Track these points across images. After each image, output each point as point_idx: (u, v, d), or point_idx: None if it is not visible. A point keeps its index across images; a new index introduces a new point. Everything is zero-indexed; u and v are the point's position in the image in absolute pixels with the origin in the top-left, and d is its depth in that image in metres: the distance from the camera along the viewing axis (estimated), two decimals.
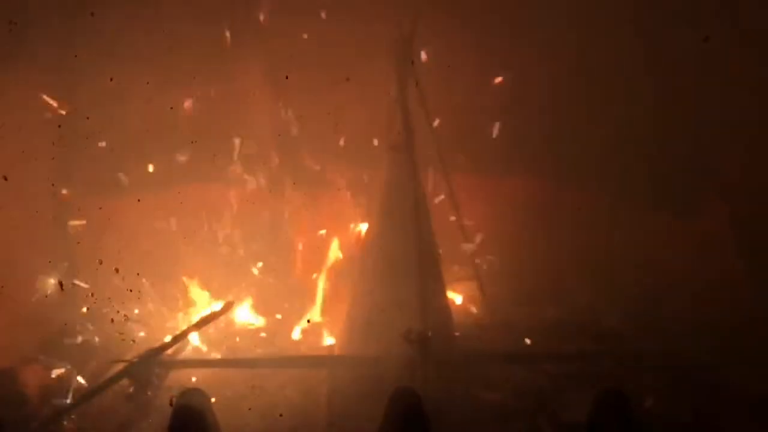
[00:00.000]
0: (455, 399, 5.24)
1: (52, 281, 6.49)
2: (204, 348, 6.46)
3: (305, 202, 7.54)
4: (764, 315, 6.03)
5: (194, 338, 6.38)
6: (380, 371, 5.21)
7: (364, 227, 6.71)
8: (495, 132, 7.14)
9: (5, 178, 5.23)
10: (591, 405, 4.11)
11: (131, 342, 6.27)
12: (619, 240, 7.11)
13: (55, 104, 6.70)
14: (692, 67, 6.67)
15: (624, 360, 5.68)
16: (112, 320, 6.33)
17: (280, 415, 5.24)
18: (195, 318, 6.55)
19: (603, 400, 4.10)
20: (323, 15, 6.98)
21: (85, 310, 6.74)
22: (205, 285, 7.19)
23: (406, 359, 5.14)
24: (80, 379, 5.72)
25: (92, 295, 6.57)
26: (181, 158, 7.07)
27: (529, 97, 7.12)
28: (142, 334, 6.58)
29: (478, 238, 6.91)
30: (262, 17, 7.16)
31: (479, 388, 5.52)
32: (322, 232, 7.42)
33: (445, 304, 6.03)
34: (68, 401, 5.39)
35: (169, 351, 5.81)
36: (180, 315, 7.00)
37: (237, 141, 7.20)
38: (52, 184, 6.77)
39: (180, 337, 5.95)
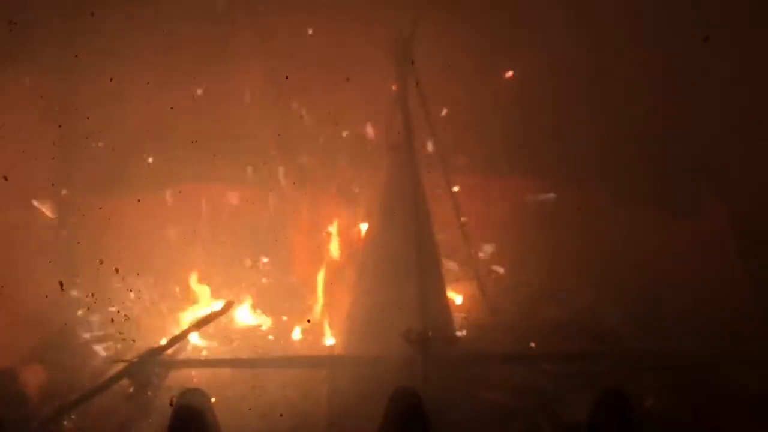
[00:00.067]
0: (455, 399, 5.23)
1: (52, 281, 6.48)
2: (204, 348, 6.47)
3: (305, 202, 7.54)
4: (764, 315, 6.03)
5: (194, 338, 6.39)
6: (380, 371, 5.21)
7: (364, 227, 6.71)
8: (495, 132, 7.15)
9: (5, 178, 5.23)
10: (591, 405, 4.10)
11: (131, 342, 6.27)
12: (619, 240, 7.11)
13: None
14: (692, 66, 6.67)
15: (624, 360, 5.67)
16: (112, 320, 6.33)
17: (281, 415, 5.24)
18: (195, 318, 6.56)
19: (603, 400, 4.09)
20: (310, 31, 6.98)
21: (85, 310, 6.74)
22: (205, 285, 7.19)
23: (406, 359, 5.15)
24: (80, 379, 5.72)
25: (92, 295, 6.57)
26: (181, 158, 7.07)
27: (530, 97, 7.12)
28: (142, 334, 6.58)
29: (478, 238, 6.91)
30: (262, 17, 7.17)
31: (479, 388, 5.51)
32: (322, 232, 7.42)
33: (445, 304, 6.03)
34: (68, 401, 5.39)
35: (169, 351, 5.81)
36: (180, 315, 7.00)
37: (237, 141, 7.20)
38: (52, 184, 6.78)
39: (180, 337, 5.95)
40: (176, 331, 6.13)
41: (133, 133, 6.89)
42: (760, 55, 6.26)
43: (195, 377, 5.83)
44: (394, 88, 6.15)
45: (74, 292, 6.70)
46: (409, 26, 6.03)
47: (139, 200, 6.72)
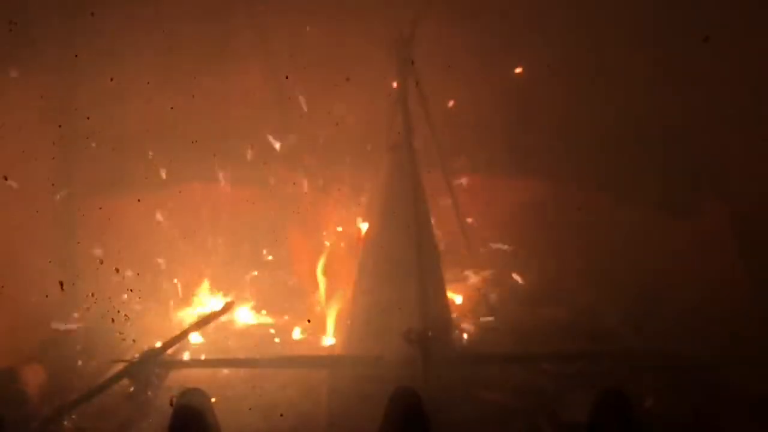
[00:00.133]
0: (455, 399, 5.23)
1: (52, 281, 6.48)
2: (204, 348, 6.46)
3: (305, 202, 7.54)
4: (764, 315, 6.03)
5: (194, 338, 6.39)
6: (380, 371, 5.21)
7: (364, 227, 6.72)
8: (495, 132, 7.15)
9: (5, 178, 5.23)
10: (591, 405, 4.10)
11: (131, 342, 6.27)
12: (619, 240, 7.11)
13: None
14: (692, 66, 6.67)
15: (624, 360, 5.67)
16: (113, 320, 6.33)
17: (281, 415, 5.24)
18: (195, 318, 6.55)
19: (603, 400, 4.09)
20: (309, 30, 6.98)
21: (85, 310, 6.73)
22: (206, 285, 7.19)
23: (406, 359, 5.14)
24: (80, 379, 5.71)
25: (92, 295, 6.56)
26: (181, 158, 7.07)
27: (530, 97, 7.12)
28: (142, 334, 6.57)
29: (479, 238, 6.91)
30: (262, 17, 7.16)
31: (479, 388, 5.51)
32: (322, 232, 7.42)
33: (445, 304, 6.03)
34: (68, 401, 5.39)
35: (169, 351, 5.81)
36: (180, 315, 7.00)
37: (237, 141, 7.20)
38: (52, 184, 6.78)
39: (180, 337, 5.94)
40: (176, 331, 6.13)
41: (133, 133, 6.88)
42: (760, 55, 6.26)
43: (195, 377, 5.83)
44: (394, 87, 6.15)
45: (74, 293, 6.68)
46: (409, 26, 6.03)
47: (139, 200, 6.72)
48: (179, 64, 6.80)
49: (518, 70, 7.16)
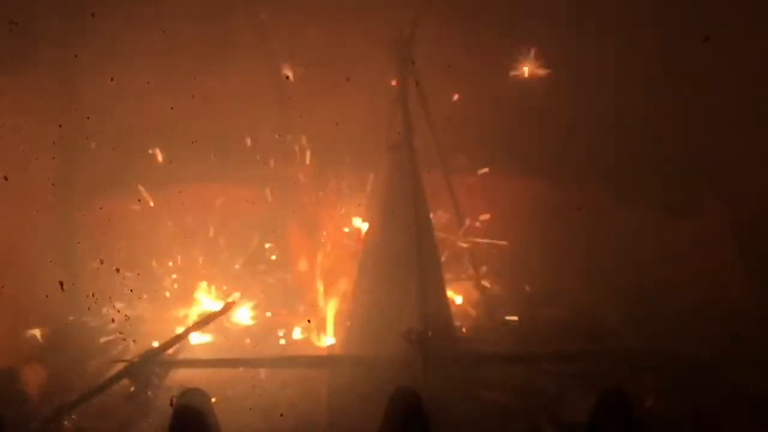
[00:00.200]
0: (455, 399, 5.23)
1: (52, 281, 6.48)
2: (204, 348, 6.46)
3: (305, 203, 7.54)
4: (764, 315, 6.04)
5: (194, 338, 6.39)
6: (380, 371, 5.21)
7: (364, 227, 6.72)
8: (495, 132, 7.15)
9: (5, 178, 5.23)
10: (591, 405, 4.11)
11: (131, 342, 6.27)
12: (619, 240, 7.11)
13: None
14: (692, 66, 6.68)
15: (624, 360, 5.67)
16: (113, 320, 6.33)
17: (281, 415, 5.24)
18: (195, 318, 6.55)
19: (603, 400, 4.09)
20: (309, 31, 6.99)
21: (85, 310, 6.73)
22: (206, 285, 7.19)
23: (406, 359, 5.15)
24: (80, 379, 5.72)
25: (92, 295, 6.56)
26: (181, 158, 7.07)
27: (530, 96, 7.12)
28: (142, 334, 6.57)
29: (478, 238, 6.91)
30: (262, 17, 7.17)
31: (479, 388, 5.51)
32: (322, 232, 7.42)
33: (445, 304, 6.03)
34: (68, 401, 5.39)
35: (169, 351, 5.81)
36: (180, 315, 7.00)
37: (237, 141, 7.20)
38: (53, 184, 6.78)
39: (180, 337, 5.95)
40: (176, 331, 6.13)
41: (133, 134, 6.89)
42: (760, 55, 6.26)
43: (195, 377, 5.83)
44: (393, 87, 6.15)
45: (74, 293, 6.68)
46: (409, 26, 6.03)
47: (139, 200, 6.72)
48: (179, 64, 6.80)
49: (512, 72, 7.16)
